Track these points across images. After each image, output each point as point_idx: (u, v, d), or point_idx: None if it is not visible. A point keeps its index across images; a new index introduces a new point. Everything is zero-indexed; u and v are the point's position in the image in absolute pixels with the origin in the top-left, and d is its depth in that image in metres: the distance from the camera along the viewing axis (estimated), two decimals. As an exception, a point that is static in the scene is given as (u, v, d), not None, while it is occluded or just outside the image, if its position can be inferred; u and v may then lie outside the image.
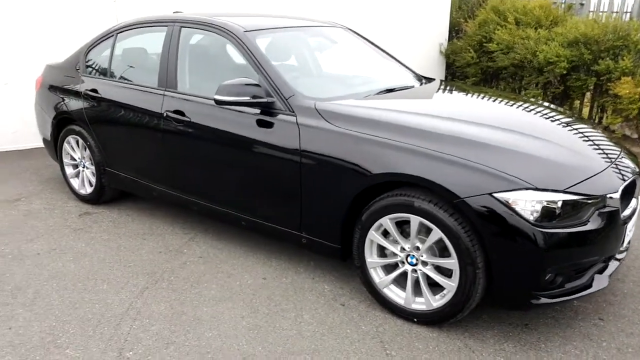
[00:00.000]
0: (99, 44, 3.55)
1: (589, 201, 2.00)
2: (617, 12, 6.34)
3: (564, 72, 5.87)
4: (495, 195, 1.93)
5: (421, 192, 2.11)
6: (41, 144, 4.26)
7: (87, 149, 3.63)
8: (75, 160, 3.81)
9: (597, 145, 2.39)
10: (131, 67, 3.41)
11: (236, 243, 3.12)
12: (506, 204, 1.92)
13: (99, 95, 3.41)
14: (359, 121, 2.34)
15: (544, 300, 1.99)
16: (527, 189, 1.92)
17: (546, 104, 3.00)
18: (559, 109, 2.97)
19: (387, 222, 2.22)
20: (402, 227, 2.26)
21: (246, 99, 2.51)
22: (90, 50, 3.60)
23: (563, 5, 7.45)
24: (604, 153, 2.32)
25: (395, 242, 2.26)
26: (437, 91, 3.10)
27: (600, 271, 2.18)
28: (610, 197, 2.06)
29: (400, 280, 2.31)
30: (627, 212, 2.17)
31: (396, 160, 2.14)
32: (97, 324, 2.31)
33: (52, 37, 5.12)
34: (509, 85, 6.89)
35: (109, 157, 3.49)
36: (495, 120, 2.41)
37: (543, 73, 6.12)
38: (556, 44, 5.92)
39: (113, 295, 2.55)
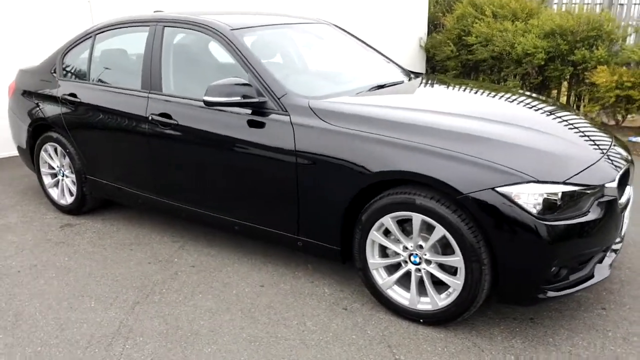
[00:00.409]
0: (76, 46, 3.38)
1: (588, 191, 1.99)
2: (588, 3, 6.47)
3: (542, 62, 5.96)
4: (497, 189, 1.90)
5: (422, 189, 2.06)
6: (14, 153, 4.05)
7: (66, 157, 3.46)
8: (53, 168, 3.63)
9: (590, 134, 2.40)
10: (112, 69, 3.25)
11: (229, 249, 3.02)
12: (509, 198, 1.89)
13: (78, 100, 3.24)
14: (355, 119, 2.27)
15: (550, 294, 1.98)
16: (528, 182, 1.90)
17: (534, 95, 3.00)
18: (548, 99, 2.98)
19: (388, 221, 2.16)
20: (403, 225, 2.21)
21: (237, 99, 2.42)
22: (67, 52, 3.42)
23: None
24: (598, 142, 2.32)
25: (397, 241, 2.21)
26: (428, 86, 3.06)
27: (599, 261, 2.19)
28: (608, 187, 2.06)
29: (404, 281, 2.26)
30: (623, 199, 2.18)
31: (396, 158, 2.09)
32: (86, 346, 2.18)
33: (24, 40, 4.88)
34: (489, 77, 6.96)
35: (91, 164, 3.33)
36: (490, 113, 2.38)
37: (521, 64, 6.20)
38: (533, 36, 6.00)
39: (102, 312, 2.42)
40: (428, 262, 2.15)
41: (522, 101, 2.74)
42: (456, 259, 2.03)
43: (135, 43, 3.12)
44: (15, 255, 3.04)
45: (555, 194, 1.91)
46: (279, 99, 2.46)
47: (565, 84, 6.32)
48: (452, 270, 2.14)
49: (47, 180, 3.69)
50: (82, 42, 3.38)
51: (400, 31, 7.60)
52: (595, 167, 2.08)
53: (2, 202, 3.86)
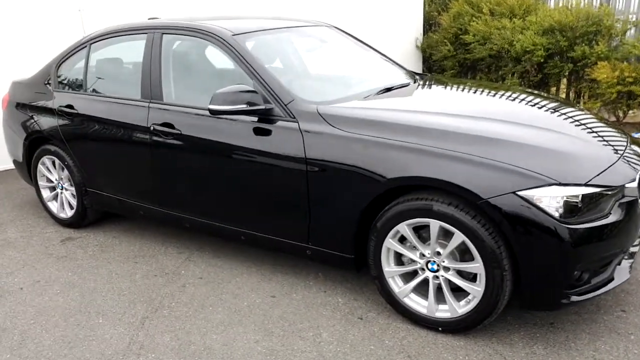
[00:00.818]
0: (71, 56, 3.30)
1: (609, 192, 1.95)
2: (586, -2, 6.45)
3: (541, 60, 5.93)
4: (519, 193, 1.85)
5: (439, 195, 2.01)
6: (9, 166, 3.96)
7: (65, 170, 3.38)
8: (52, 182, 3.54)
9: (605, 134, 2.35)
10: (109, 79, 3.18)
11: (236, 259, 2.95)
12: (531, 202, 1.84)
13: (75, 111, 3.16)
14: (366, 124, 2.22)
15: (574, 298, 1.93)
16: (550, 184, 1.85)
17: (544, 94, 2.96)
18: (558, 98, 2.93)
19: (404, 228, 2.11)
20: (419, 232, 2.15)
21: (243, 107, 2.35)
22: (61, 63, 3.34)
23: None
24: (613, 142, 2.28)
25: (414, 248, 2.16)
26: (435, 87, 3.01)
27: (619, 263, 2.14)
28: (628, 187, 2.01)
29: (420, 288, 2.21)
30: None
31: (412, 164, 2.03)
32: (97, 364, 2.11)
33: (14, 50, 4.78)
34: (486, 76, 6.93)
35: (91, 176, 3.25)
36: (504, 114, 2.34)
37: (520, 62, 6.17)
38: (532, 33, 5.98)
39: (111, 329, 2.34)
40: (446, 269, 2.09)
41: (533, 101, 2.69)
42: (476, 266, 1.97)
43: (132, 51, 3.05)
44: (16, 271, 2.96)
45: (576, 196, 1.86)
46: (286, 105, 2.40)
47: (564, 80, 6.30)
48: (470, 277, 2.09)
49: (46, 193, 3.61)
50: (76, 52, 3.30)
51: (395, 31, 7.56)
52: (614, 168, 2.04)
53: (1, 217, 3.77)
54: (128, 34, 3.06)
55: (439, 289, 2.14)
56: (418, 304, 2.20)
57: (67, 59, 3.33)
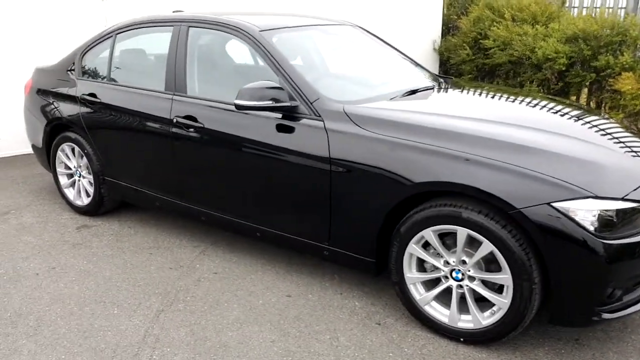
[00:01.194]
0: (96, 45, 3.29)
1: None
2: (611, 7, 6.35)
3: (563, 68, 5.84)
4: (554, 204, 1.80)
5: (469, 202, 1.97)
6: (26, 151, 3.97)
7: (84, 157, 3.37)
8: (70, 169, 3.54)
9: (636, 147, 2.29)
10: (133, 70, 3.17)
11: (251, 256, 2.93)
12: (566, 214, 1.79)
13: (98, 100, 3.16)
14: (395, 126, 2.18)
15: (605, 316, 1.87)
16: (587, 197, 1.80)
17: (575, 103, 2.90)
18: (590, 108, 2.87)
19: (429, 234, 2.07)
20: (443, 239, 2.11)
21: (269, 103, 2.33)
22: (86, 52, 3.34)
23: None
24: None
25: (438, 255, 2.12)
26: (461, 91, 2.96)
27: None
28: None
29: (442, 296, 2.17)
30: None
31: (442, 169, 1.99)
32: (112, 355, 2.09)
33: (38, 38, 4.79)
34: (505, 82, 6.85)
35: (110, 165, 3.24)
36: (536, 122, 2.28)
37: (541, 69, 6.09)
38: (554, 40, 5.89)
39: (126, 320, 2.33)
40: (471, 278, 2.05)
41: (562, 109, 2.63)
42: (504, 277, 1.93)
43: (157, 43, 3.04)
44: (32, 256, 2.96)
45: (612, 210, 1.81)
46: (311, 103, 2.37)
47: (584, 90, 6.20)
48: (494, 287, 2.05)
49: (63, 180, 3.61)
50: (102, 41, 3.29)
51: (413, 33, 7.49)
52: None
53: (16, 202, 3.79)
54: (154, 25, 3.04)
55: (461, 298, 2.10)
56: (439, 313, 2.15)
57: (92, 48, 3.32)
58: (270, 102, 2.33)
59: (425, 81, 2.99)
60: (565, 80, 6.02)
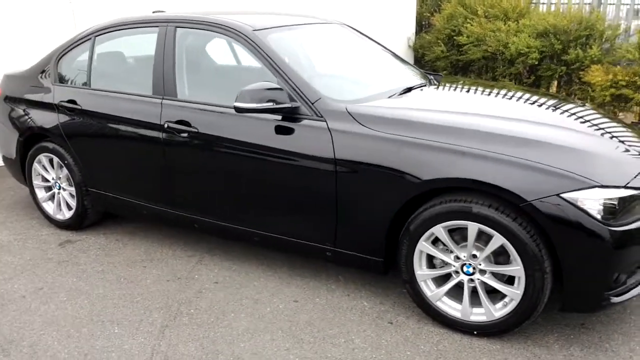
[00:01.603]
0: (73, 49, 3.12)
1: None
2: (577, 3, 6.59)
3: (535, 62, 6.03)
4: (563, 195, 1.84)
5: (479, 197, 1.97)
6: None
7: (63, 168, 3.19)
8: (48, 181, 3.35)
9: (630, 136, 2.37)
10: (116, 73, 3.03)
11: (250, 262, 2.85)
12: (575, 204, 1.83)
13: (79, 107, 2.99)
14: (400, 124, 2.16)
15: (614, 299, 1.93)
16: (593, 186, 1.84)
17: (561, 96, 2.97)
18: (577, 101, 2.95)
19: (440, 230, 2.06)
20: (451, 234, 2.11)
21: (270, 105, 2.27)
22: (62, 56, 3.16)
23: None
24: (637, 144, 2.29)
25: (447, 251, 2.12)
26: (454, 88, 2.98)
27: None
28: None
29: (452, 291, 2.17)
30: None
31: (451, 165, 1.99)
32: (119, 376, 1.98)
33: (2, 43, 4.52)
34: (479, 77, 7.00)
35: (93, 176, 3.08)
36: (535, 116, 2.33)
37: (514, 64, 6.26)
38: (526, 36, 6.06)
39: (129, 338, 2.21)
40: (482, 272, 2.06)
41: (554, 103, 2.69)
42: (516, 269, 1.95)
43: (140, 45, 2.92)
44: (15, 277, 2.77)
45: (614, 198, 1.86)
46: (312, 103, 2.32)
47: (554, 83, 6.42)
48: (503, 279, 2.06)
49: (41, 193, 3.41)
50: (79, 44, 3.13)
51: (388, 31, 7.54)
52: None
53: (-11, 219, 3.55)
54: (137, 27, 2.91)
55: (472, 292, 2.11)
56: (451, 308, 2.16)
57: (68, 51, 3.14)
58: (271, 103, 2.27)
59: (417, 79, 3.00)
60: (537, 74, 6.21)
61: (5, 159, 3.59)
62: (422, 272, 2.18)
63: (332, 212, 2.29)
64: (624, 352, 2.03)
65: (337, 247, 2.37)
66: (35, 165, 3.33)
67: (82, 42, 3.09)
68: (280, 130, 2.36)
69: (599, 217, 1.84)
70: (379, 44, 3.40)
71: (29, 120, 3.25)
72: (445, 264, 2.15)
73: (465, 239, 2.08)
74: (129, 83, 2.96)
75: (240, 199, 2.57)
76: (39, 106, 3.20)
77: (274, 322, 2.30)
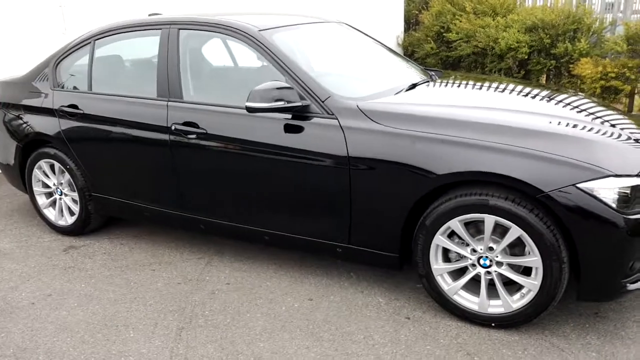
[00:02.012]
0: (71, 53, 3.07)
1: None
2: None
3: (525, 57, 6.12)
4: (579, 185, 1.87)
5: (495, 190, 2.00)
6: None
7: (65, 174, 3.15)
8: (49, 187, 3.29)
9: (633, 126, 2.42)
10: (117, 77, 2.99)
11: (261, 262, 2.85)
12: (591, 194, 1.87)
13: (80, 111, 2.95)
14: (413, 119, 2.18)
15: (630, 286, 1.97)
16: (607, 176, 1.89)
17: (559, 87, 3.02)
18: (576, 91, 3.00)
19: (456, 224, 2.09)
20: (467, 227, 2.14)
21: (281, 104, 2.26)
22: (60, 61, 3.11)
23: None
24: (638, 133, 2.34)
25: (464, 244, 2.14)
26: (458, 82, 3.01)
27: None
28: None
29: (469, 285, 2.20)
30: None
31: (467, 159, 2.01)
32: (140, 381, 1.96)
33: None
34: (470, 73, 7.09)
35: (97, 180, 3.04)
36: (542, 108, 2.37)
37: (504, 59, 6.35)
38: (515, 31, 6.15)
39: (146, 342, 2.19)
40: (499, 264, 2.09)
41: (561, 96, 2.71)
42: (534, 259, 1.98)
43: (141, 48, 2.89)
44: (21, 285, 2.72)
45: (628, 187, 1.90)
46: (323, 102, 2.32)
47: (544, 76, 6.52)
48: (519, 270, 2.10)
49: (42, 200, 3.35)
50: (78, 49, 3.08)
51: (377, 29, 7.55)
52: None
53: (-12, 227, 3.48)
54: (138, 29, 2.87)
55: (489, 284, 2.14)
56: (469, 301, 2.18)
57: (67, 56, 3.09)
58: (282, 102, 2.27)
59: (420, 75, 3.02)
60: (527, 68, 6.31)
61: (2, 165, 3.52)
62: (438, 266, 2.20)
63: (346, 209, 2.30)
64: None
65: (350, 244, 2.38)
66: (36, 171, 3.27)
67: (81, 47, 3.04)
68: (291, 129, 2.36)
69: (614, 205, 1.88)
70: (377, 41, 3.42)
71: (28, 126, 3.19)
72: (461, 257, 2.18)
73: (479, 232, 2.11)
74: (132, 86, 2.93)
75: (251, 198, 2.57)
76: (38, 112, 3.14)
77: (291, 320, 2.30)
